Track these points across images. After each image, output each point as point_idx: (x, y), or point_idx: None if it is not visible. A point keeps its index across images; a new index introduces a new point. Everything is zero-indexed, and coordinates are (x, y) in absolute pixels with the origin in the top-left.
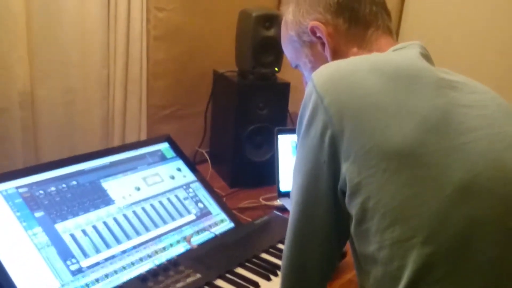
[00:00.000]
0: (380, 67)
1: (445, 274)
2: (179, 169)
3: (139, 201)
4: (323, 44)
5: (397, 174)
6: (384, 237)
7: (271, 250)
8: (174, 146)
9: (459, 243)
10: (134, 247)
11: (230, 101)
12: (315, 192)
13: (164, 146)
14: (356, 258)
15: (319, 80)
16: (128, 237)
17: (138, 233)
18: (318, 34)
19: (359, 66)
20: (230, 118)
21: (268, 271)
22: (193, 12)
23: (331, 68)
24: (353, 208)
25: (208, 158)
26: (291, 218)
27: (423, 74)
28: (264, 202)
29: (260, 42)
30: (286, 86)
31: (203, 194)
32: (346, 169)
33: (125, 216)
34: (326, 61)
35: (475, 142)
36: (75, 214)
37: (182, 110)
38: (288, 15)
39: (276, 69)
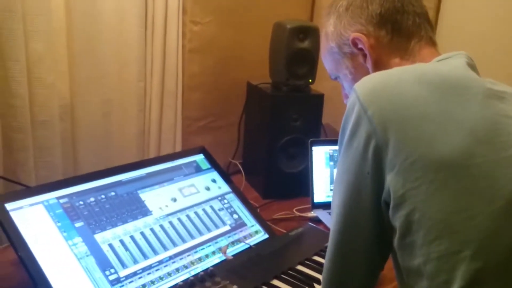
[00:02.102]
0: (426, 77)
1: None
2: (214, 180)
3: (176, 212)
4: (364, 56)
5: (444, 186)
6: (431, 250)
7: (307, 262)
8: (209, 158)
9: (509, 258)
10: (171, 258)
11: (264, 112)
12: (358, 204)
13: (199, 158)
14: (399, 271)
15: (362, 90)
16: (165, 247)
17: (174, 244)
18: (359, 46)
19: (403, 76)
20: (263, 130)
21: (304, 283)
22: (227, 25)
23: (375, 79)
24: (397, 221)
25: (241, 169)
26: (332, 229)
27: (471, 84)
28: (298, 214)
29: (294, 54)
30: (320, 98)
31: (237, 205)
32: (390, 180)
33: (161, 226)
34: (367, 73)
35: None
36: (114, 225)
37: (216, 121)
38: (329, 26)
39: (310, 80)
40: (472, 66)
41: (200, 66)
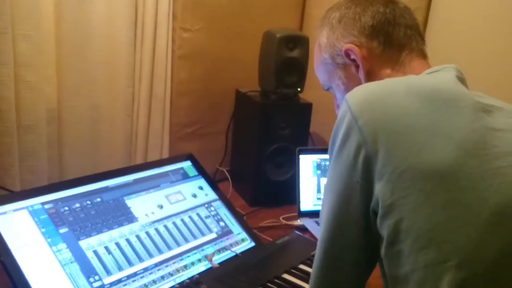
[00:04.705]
0: (416, 89)
1: None
2: (201, 188)
3: (162, 219)
4: (357, 66)
5: (432, 196)
6: (418, 259)
7: (292, 270)
8: (196, 165)
9: (494, 268)
10: (156, 265)
11: (252, 120)
12: (347, 212)
13: (186, 164)
14: (386, 280)
15: (353, 100)
16: (150, 255)
17: (160, 251)
18: (352, 57)
19: (394, 87)
20: (251, 138)
21: None
22: (218, 33)
23: (366, 89)
24: (384, 229)
25: (228, 176)
26: (320, 237)
27: (460, 97)
28: (284, 222)
29: (284, 63)
30: (308, 107)
31: (224, 212)
32: (379, 189)
33: (147, 233)
34: (359, 83)
35: (510, 166)
36: (99, 231)
37: (204, 128)
38: (322, 38)
39: (299, 89)
40: (461, 80)
41: (189, 72)
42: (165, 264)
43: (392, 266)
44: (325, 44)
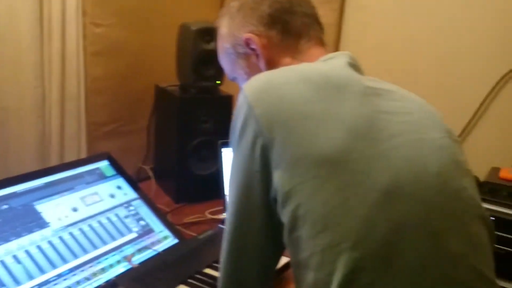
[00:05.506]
0: (308, 76)
1: (373, 278)
2: (119, 187)
3: (76, 222)
4: (257, 56)
5: (326, 182)
6: (315, 243)
7: (214, 264)
8: (114, 164)
9: (385, 248)
10: (71, 270)
11: (173, 115)
12: (249, 202)
13: (103, 164)
14: (292, 267)
15: (250, 91)
16: (64, 260)
17: (75, 256)
18: (252, 46)
19: (288, 76)
20: (173, 133)
21: (211, 286)
22: (132, 27)
23: (262, 79)
24: (285, 216)
25: (152, 174)
26: (226, 229)
27: (350, 82)
28: (210, 216)
29: (201, 56)
30: (228, 99)
31: (145, 211)
32: (277, 177)
33: (61, 238)
34: (260, 72)
35: (397, 148)
36: (6, 240)
37: (124, 126)
38: (223, 28)
39: (218, 82)
40: (353, 66)
41: (104, 69)
42: (81, 269)
43: (294, 252)
44: (226, 34)
